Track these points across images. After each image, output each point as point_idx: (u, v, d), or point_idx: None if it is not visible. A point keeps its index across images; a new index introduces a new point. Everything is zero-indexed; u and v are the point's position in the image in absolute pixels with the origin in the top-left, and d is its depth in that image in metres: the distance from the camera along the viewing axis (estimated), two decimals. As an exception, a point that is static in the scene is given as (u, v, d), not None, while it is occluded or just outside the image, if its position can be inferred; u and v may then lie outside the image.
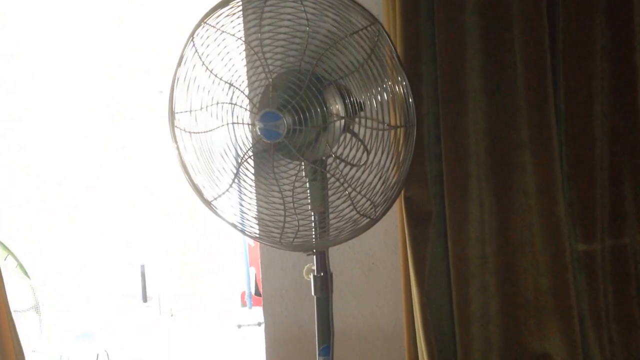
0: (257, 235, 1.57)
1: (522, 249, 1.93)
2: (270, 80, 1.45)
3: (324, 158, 1.48)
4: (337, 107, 1.42)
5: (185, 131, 1.54)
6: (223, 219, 1.56)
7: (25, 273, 3.62)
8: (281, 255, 2.13)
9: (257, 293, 4.35)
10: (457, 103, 1.87)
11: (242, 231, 1.56)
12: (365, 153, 1.45)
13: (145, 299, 4.62)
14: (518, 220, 1.92)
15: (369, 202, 1.45)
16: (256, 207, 1.54)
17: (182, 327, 4.38)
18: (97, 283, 4.44)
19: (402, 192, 1.88)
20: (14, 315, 2.05)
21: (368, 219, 1.46)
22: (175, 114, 1.54)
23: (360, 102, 1.41)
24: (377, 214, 1.45)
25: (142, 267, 4.56)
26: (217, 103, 1.51)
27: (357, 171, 1.45)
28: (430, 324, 1.91)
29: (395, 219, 1.95)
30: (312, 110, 1.40)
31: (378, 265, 2.12)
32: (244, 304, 4.55)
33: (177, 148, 1.56)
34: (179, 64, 1.52)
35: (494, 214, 1.92)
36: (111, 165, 4.19)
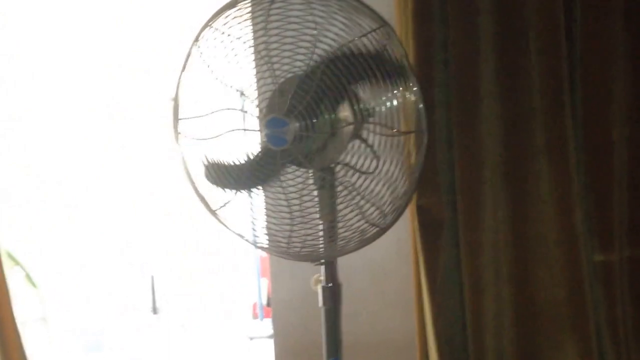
0: (264, 245, 1.55)
1: (537, 259, 1.91)
2: (277, 85, 1.43)
3: (332, 165, 1.46)
4: (346, 112, 1.40)
5: (190, 137, 1.53)
6: (229, 228, 1.55)
7: (33, 283, 3.62)
8: (291, 265, 2.11)
9: (269, 304, 4.33)
10: (470, 108, 1.86)
11: (248, 241, 1.55)
12: (375, 160, 1.43)
13: (155, 310, 4.62)
14: (533, 229, 1.90)
15: (378, 211, 1.44)
16: (263, 216, 1.53)
17: (192, 339, 4.36)
18: (106, 294, 4.44)
19: (414, 200, 1.87)
20: (22, 326, 2.05)
21: (377, 229, 1.44)
22: (180, 120, 1.53)
23: (369, 108, 1.40)
24: (386, 223, 1.43)
25: (152, 278, 4.57)
26: (223, 109, 1.50)
27: (366, 179, 1.44)
28: (442, 335, 1.89)
29: (407, 227, 1.93)
30: (320, 116, 1.39)
31: (389, 274, 2.10)
32: (255, 316, 4.53)
33: (182, 155, 1.54)
34: (183, 68, 1.51)
35: (508, 223, 1.90)
36: (119, 175, 4.20)
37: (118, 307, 4.47)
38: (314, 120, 1.39)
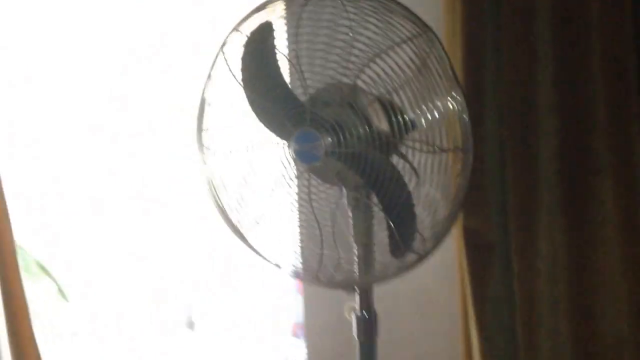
0: (293, 270, 1.49)
1: (600, 289, 1.82)
2: (308, 95, 1.38)
3: (367, 185, 1.40)
4: (383, 126, 1.34)
5: (214, 152, 1.49)
6: (255, 250, 1.50)
7: (64, 296, 3.64)
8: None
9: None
10: (524, 121, 1.78)
11: (276, 265, 1.50)
12: (414, 179, 1.37)
13: (190, 326, 4.61)
14: (595, 256, 1.82)
15: (417, 236, 1.37)
16: (291, 238, 1.48)
17: (229, 356, 4.35)
18: (139, 307, 4.45)
19: (462, 221, 1.80)
20: (52, 342, 2.05)
21: (416, 255, 1.37)
22: (204, 132, 1.49)
23: (409, 121, 1.33)
24: (425, 249, 1.37)
25: (188, 291, 4.56)
26: (250, 120, 1.45)
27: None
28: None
29: (454, 250, 1.87)
30: (354, 130, 1.33)
31: (434, 303, 2.02)
32: (295, 334, 4.48)
33: (205, 168, 1.50)
34: (208, 76, 1.47)
35: (566, 249, 1.82)
36: (155, 186, 4.20)
37: (152, 322, 4.47)
38: (347, 134, 1.33)
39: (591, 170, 1.79)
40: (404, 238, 1.37)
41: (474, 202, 1.79)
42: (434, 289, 2.02)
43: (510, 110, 1.78)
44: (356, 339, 1.51)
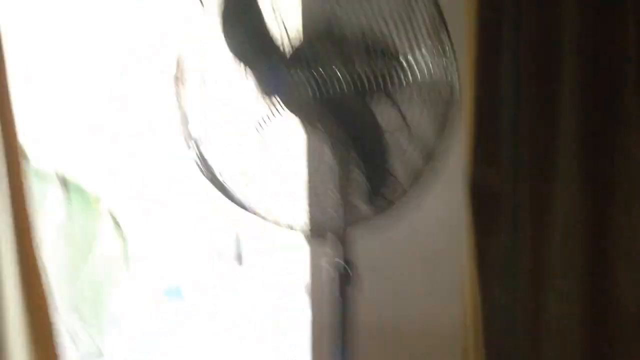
0: (263, 215, 1.41)
1: (618, 252, 1.71)
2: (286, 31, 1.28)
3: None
4: (363, 66, 1.25)
5: (194, 106, 1.42)
6: (227, 193, 1.42)
7: (118, 224, 3.70)
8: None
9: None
10: (544, 63, 1.66)
11: (246, 208, 1.42)
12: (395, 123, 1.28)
13: (240, 260, 4.63)
14: (616, 215, 1.69)
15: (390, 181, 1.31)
16: (263, 181, 1.39)
17: (277, 291, 4.36)
18: (190, 238, 4.49)
19: (469, 171, 1.70)
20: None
21: (387, 201, 1.31)
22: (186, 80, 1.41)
23: (392, 61, 1.25)
24: (398, 195, 1.30)
25: (239, 226, 4.56)
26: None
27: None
28: (494, 331, 1.73)
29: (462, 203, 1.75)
30: (334, 74, 1.24)
31: (439, 256, 1.91)
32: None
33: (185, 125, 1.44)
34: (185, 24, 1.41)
35: (584, 206, 1.69)
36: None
37: (201, 256, 4.52)
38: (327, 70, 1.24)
39: (616, 121, 1.67)
40: (375, 182, 1.31)
41: (482, 150, 1.69)
42: (442, 241, 1.91)
43: (530, 53, 1.66)
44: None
